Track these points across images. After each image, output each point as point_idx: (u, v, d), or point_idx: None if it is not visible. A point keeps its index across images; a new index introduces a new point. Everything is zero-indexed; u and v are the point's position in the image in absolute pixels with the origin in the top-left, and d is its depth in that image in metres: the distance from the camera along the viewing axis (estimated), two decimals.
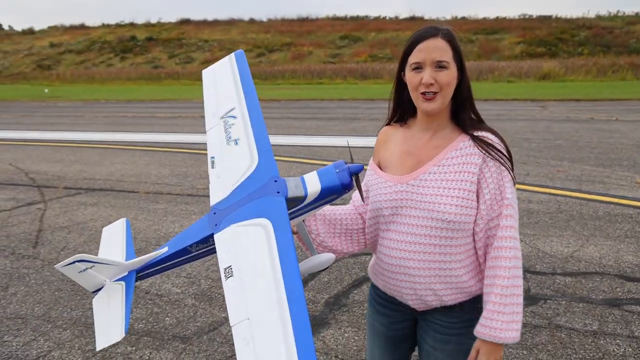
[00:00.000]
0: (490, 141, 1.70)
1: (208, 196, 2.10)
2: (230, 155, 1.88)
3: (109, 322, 1.74)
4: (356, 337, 3.52)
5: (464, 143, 1.72)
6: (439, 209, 1.68)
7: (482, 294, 1.77)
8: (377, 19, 56.16)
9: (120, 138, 12.82)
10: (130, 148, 11.34)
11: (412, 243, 1.73)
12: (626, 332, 3.52)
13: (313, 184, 1.72)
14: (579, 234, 5.35)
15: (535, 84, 27.51)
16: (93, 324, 3.80)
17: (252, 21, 58.14)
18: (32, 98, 28.41)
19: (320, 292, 4.20)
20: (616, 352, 3.30)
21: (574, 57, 35.43)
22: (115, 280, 1.84)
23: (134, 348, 3.43)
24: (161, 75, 40.05)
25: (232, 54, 2.20)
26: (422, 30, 1.70)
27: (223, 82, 2.13)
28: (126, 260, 1.92)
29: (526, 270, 4.48)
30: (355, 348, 3.39)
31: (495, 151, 1.68)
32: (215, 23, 58.11)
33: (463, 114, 1.75)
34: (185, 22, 59.11)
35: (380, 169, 1.90)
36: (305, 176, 1.75)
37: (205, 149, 1.99)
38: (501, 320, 1.64)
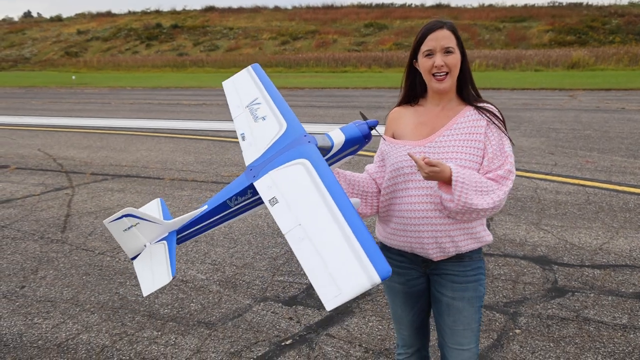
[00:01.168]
0: (490, 109, 2.06)
1: None
2: (260, 128, 2.10)
3: (154, 271, 1.85)
4: (380, 327, 3.50)
5: (469, 112, 2.06)
6: (456, 164, 1.96)
7: (486, 242, 2.11)
8: (402, 6, 55.43)
9: (146, 125, 12.96)
10: (156, 135, 11.46)
11: (431, 196, 2.00)
12: None
13: (338, 136, 2.02)
14: (609, 226, 5.23)
15: (564, 73, 26.89)
16: (120, 308, 3.87)
17: (276, 9, 57.95)
18: (60, 85, 28.94)
19: None
20: None
21: (604, 46, 34.47)
22: (156, 242, 1.94)
23: (159, 333, 3.48)
24: (186, 62, 40.31)
25: (250, 67, 2.51)
26: (431, 23, 2.03)
27: (243, 85, 2.43)
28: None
29: (553, 262, 4.41)
30: (379, 337, 3.37)
31: (496, 119, 2.04)
32: (240, 10, 58.11)
33: (467, 90, 2.10)
34: (210, 9, 59.24)
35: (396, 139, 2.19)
36: (330, 132, 2.03)
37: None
38: (459, 187, 1.87)
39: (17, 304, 3.93)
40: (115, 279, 4.31)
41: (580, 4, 48.21)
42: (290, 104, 2.24)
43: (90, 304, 3.91)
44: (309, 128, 1.99)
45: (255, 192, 1.92)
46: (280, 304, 3.83)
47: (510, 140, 2.05)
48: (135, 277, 4.28)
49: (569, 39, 37.45)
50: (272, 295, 3.98)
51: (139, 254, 1.95)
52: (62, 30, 58.07)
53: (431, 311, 2.26)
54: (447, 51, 1.98)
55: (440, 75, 2.01)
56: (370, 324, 3.55)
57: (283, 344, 3.32)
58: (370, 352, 3.22)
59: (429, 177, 1.87)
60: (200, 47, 47.27)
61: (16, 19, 70.17)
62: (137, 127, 12.67)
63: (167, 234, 1.96)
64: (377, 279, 1.32)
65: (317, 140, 1.92)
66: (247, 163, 2.01)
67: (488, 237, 2.12)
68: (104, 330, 3.53)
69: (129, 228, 1.88)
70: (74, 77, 32.90)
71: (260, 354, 3.21)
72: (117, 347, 3.32)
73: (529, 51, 33.30)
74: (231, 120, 2.28)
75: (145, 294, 1.84)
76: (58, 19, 64.67)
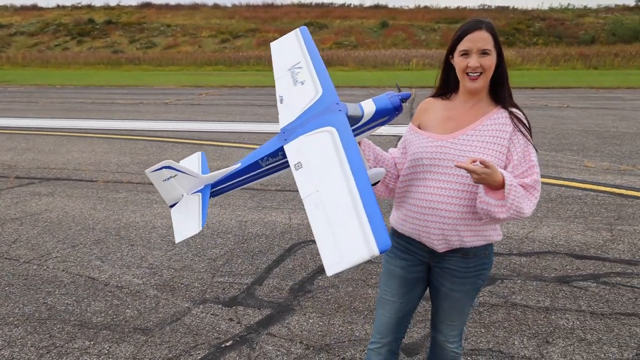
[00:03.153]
0: (519, 115, 2.08)
1: None
2: (298, 92, 2.18)
3: (187, 221, 2.01)
4: (320, 323, 3.51)
5: (497, 114, 2.08)
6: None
7: (492, 241, 2.17)
8: (342, 6, 55.99)
9: (78, 125, 12.42)
10: (89, 135, 10.99)
11: (445, 189, 2.06)
12: (574, 306, 3.69)
13: (369, 106, 2.06)
14: (534, 216, 5.50)
15: None
16: (48, 319, 3.67)
17: (216, 6, 57.05)
18: None
19: (285, 279, 4.17)
20: (565, 325, 3.45)
21: (529, 47, 36.31)
22: (192, 193, 2.11)
23: (91, 343, 3.33)
24: (121, 60, 38.90)
25: (297, 29, 2.58)
26: (470, 23, 2.06)
27: (289, 48, 2.50)
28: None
29: None
30: (320, 333, 3.38)
31: (523, 126, 2.06)
32: (178, 7, 56.81)
33: (502, 91, 2.10)
34: (146, 5, 57.50)
35: (421, 129, 2.23)
36: (362, 102, 2.08)
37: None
38: (514, 191, 1.92)
39: None
40: (42, 289, 4.09)
41: (507, 7, 50.52)
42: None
43: (13, 317, 3.68)
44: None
45: (285, 155, 2.00)
46: (220, 306, 3.77)
47: (535, 149, 2.07)
48: (65, 285, 4.10)
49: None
50: (211, 297, 3.91)
51: (176, 203, 2.10)
52: None
53: (417, 305, 2.38)
54: (484, 53, 2.01)
55: (474, 75, 2.04)
56: (310, 320, 3.56)
57: (223, 345, 3.27)
58: (311, 348, 3.23)
59: (480, 179, 1.89)
60: (136, 44, 45.78)
61: None
62: (67, 127, 12.10)
63: (202, 187, 2.11)
64: (376, 251, 1.39)
65: (348, 109, 1.98)
66: (281, 125, 2.09)
67: (496, 236, 2.18)
68: (29, 344, 3.33)
69: (168, 179, 2.04)
70: None
71: (199, 357, 3.15)
72: None
73: None
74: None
75: (177, 240, 2.00)
76: None
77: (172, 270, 4.37)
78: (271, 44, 2.64)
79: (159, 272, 4.35)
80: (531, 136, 2.08)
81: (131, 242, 5.02)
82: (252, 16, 51.10)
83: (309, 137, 1.90)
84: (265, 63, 35.28)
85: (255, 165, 2.10)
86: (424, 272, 2.28)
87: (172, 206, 2.12)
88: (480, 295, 3.85)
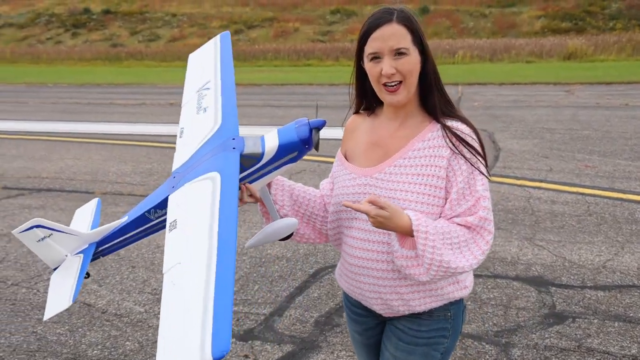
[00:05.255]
0: (461, 133, 1.83)
1: None
2: (198, 122, 2.08)
3: (59, 294, 1.94)
4: None
5: (432, 134, 1.86)
6: (405, 205, 1.81)
7: (455, 299, 1.93)
8: None
9: (72, 129, 12.69)
10: (85, 141, 11.23)
11: (375, 242, 1.87)
12: None
13: (271, 140, 1.89)
14: (613, 240, 5.36)
15: (559, 65, 27.62)
16: (37, 350, 3.75)
17: None
18: None
19: (309, 310, 4.17)
20: None
21: (604, 34, 35.61)
22: (75, 254, 2.04)
23: None
24: (121, 55, 39.72)
25: (218, 36, 2.48)
26: (376, 16, 1.82)
27: (204, 61, 2.40)
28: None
29: (550, 284, 4.49)
30: None
31: (467, 147, 1.81)
32: None
33: (432, 100, 1.87)
34: None
35: (347, 160, 2.07)
36: (266, 134, 1.92)
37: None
38: (430, 233, 1.73)
39: None
40: (32, 316, 4.17)
41: None
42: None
43: None
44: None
45: None
46: (233, 340, 3.78)
47: (487, 175, 1.85)
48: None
49: (564, 26, 38.56)
50: None
51: (59, 266, 2.05)
52: None
53: None
54: (399, 53, 1.78)
55: (392, 86, 1.82)
56: None
57: None
58: None
59: (377, 222, 1.72)
60: (138, 36, 46.71)
61: None
62: (61, 131, 12.39)
63: (87, 246, 2.05)
64: (209, 357, 1.29)
65: (244, 146, 1.86)
66: (174, 167, 2.02)
67: (459, 292, 1.94)
68: None
69: (42, 239, 1.97)
70: None
71: None
72: None
73: (519, 40, 34.03)
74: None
75: (45, 317, 1.91)
76: None
77: None
78: (190, 55, 2.55)
79: None
80: (483, 156, 1.85)
81: (132, 263, 5.09)
82: (270, 3, 51.63)
83: (193, 186, 1.79)
84: (285, 57, 35.56)
85: (143, 219, 1.99)
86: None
87: (55, 269, 2.05)
88: (546, 336, 3.77)
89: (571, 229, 5.69)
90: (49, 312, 1.91)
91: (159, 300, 4.36)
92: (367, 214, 1.72)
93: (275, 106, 15.72)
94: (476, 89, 18.28)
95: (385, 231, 1.84)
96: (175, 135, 2.14)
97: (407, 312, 1.93)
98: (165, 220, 1.91)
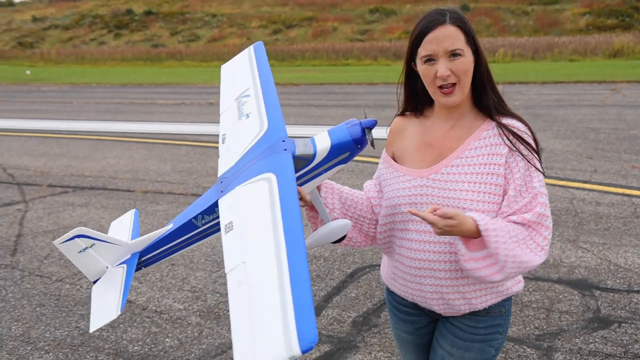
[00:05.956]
0: (517, 131, 1.84)
1: None
2: (241, 128, 2.07)
3: (105, 302, 1.90)
4: None
5: (487, 132, 1.87)
6: (465, 205, 1.81)
7: (513, 293, 1.97)
8: None
9: (114, 128, 12.98)
10: (126, 140, 11.46)
11: (436, 243, 1.87)
12: None
13: (323, 141, 1.87)
14: None
15: (605, 63, 26.97)
16: (80, 345, 3.83)
17: None
18: (12, 81, 28.96)
19: (347, 310, 4.16)
20: None
21: None
22: (117, 265, 1.98)
23: None
24: (162, 55, 40.46)
25: (252, 46, 2.49)
26: (428, 18, 1.82)
27: (240, 71, 2.39)
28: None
29: (595, 287, 4.39)
30: None
31: (524, 144, 1.83)
32: None
33: (486, 99, 1.88)
34: None
35: (396, 161, 2.05)
36: (316, 136, 1.91)
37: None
38: (497, 230, 1.72)
39: None
40: (75, 311, 4.27)
41: None
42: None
43: (44, 342, 3.87)
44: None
45: None
46: None
47: (543, 172, 1.86)
48: None
49: (610, 22, 37.65)
50: None
51: (100, 278, 2.00)
52: (14, 16, 58.33)
53: None
54: (454, 54, 1.79)
55: (447, 88, 1.82)
56: None
57: None
58: None
59: (443, 232, 1.72)
60: (178, 37, 47.50)
61: None
62: (103, 130, 12.68)
63: (129, 256, 2.00)
64: (297, 351, 1.26)
65: (295, 147, 1.85)
66: (219, 173, 1.99)
67: (516, 286, 1.99)
68: None
69: (83, 250, 1.92)
70: (28, 72, 32.94)
71: None
72: None
73: (563, 38, 33.41)
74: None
75: (91, 329, 1.86)
76: (9, 3, 65.04)
77: (217, 295, 4.46)
78: (222, 66, 2.56)
79: (203, 296, 4.45)
80: (537, 152, 1.85)
81: (172, 261, 5.16)
82: (308, 2, 51.81)
83: (246, 188, 1.78)
84: (323, 56, 35.64)
85: (189, 226, 1.97)
86: None
87: (95, 282, 2.01)
88: (590, 340, 3.68)
89: (617, 231, 5.55)
90: (95, 324, 1.88)
91: (197, 298, 4.41)
92: (434, 224, 1.71)
93: (314, 106, 15.76)
94: (517, 88, 17.98)
95: None
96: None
97: (467, 311, 1.93)
98: (212, 226, 1.93)
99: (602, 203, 6.36)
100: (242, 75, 2.35)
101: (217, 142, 2.14)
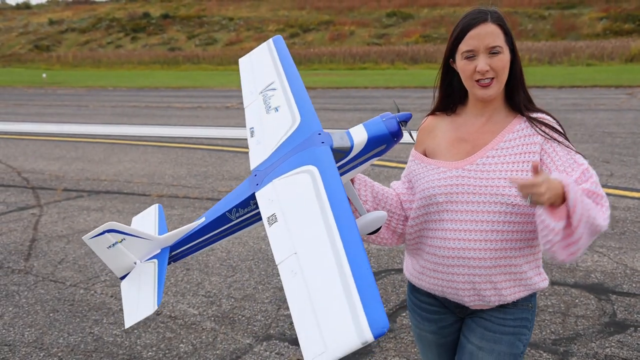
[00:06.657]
0: (547, 121, 1.95)
1: None
2: (271, 121, 2.07)
3: (139, 298, 1.89)
4: None
5: (520, 125, 1.96)
6: (503, 192, 1.87)
7: (539, 289, 2.01)
8: None
9: (130, 132, 13.07)
10: (142, 144, 11.54)
11: (471, 231, 1.91)
12: None
13: (359, 134, 1.90)
14: None
15: (621, 67, 26.74)
16: (94, 351, 3.85)
17: None
18: (28, 84, 29.29)
19: None
20: None
21: None
22: (147, 260, 1.97)
23: None
24: (178, 58, 40.70)
25: (270, 40, 2.48)
26: (471, 15, 1.92)
27: (261, 64, 2.39)
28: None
29: (611, 291, 4.35)
30: None
31: (556, 133, 1.92)
32: None
33: (518, 96, 1.99)
34: None
35: (428, 157, 2.11)
36: (351, 129, 1.94)
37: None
38: (583, 199, 1.69)
39: None
40: (89, 316, 4.29)
41: None
42: None
43: (57, 347, 3.88)
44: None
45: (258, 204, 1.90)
46: (286, 344, 3.79)
47: (581, 154, 1.91)
48: (114, 313, 4.29)
49: (627, 27, 37.27)
50: (276, 332, 3.94)
51: (128, 274, 1.99)
52: (30, 19, 59.01)
53: None
54: (494, 51, 1.88)
55: (485, 81, 1.90)
56: None
57: None
58: None
59: (541, 197, 1.63)
60: (195, 40, 47.78)
61: None
62: (119, 134, 12.77)
63: (159, 251, 1.99)
64: (369, 337, 1.25)
65: (332, 140, 1.87)
66: (252, 166, 1.99)
67: (542, 283, 2.02)
68: None
69: (113, 245, 1.92)
70: (44, 75, 33.32)
71: None
72: None
73: (580, 42, 33.20)
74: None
75: (127, 324, 1.84)
76: (25, 6, 65.80)
77: (232, 300, 4.46)
78: (240, 60, 2.55)
79: (217, 301, 4.45)
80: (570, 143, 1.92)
81: (187, 265, 5.18)
82: (326, 6, 51.89)
83: (285, 181, 1.78)
84: (340, 60, 35.66)
85: (223, 219, 1.97)
86: (460, 331, 2.14)
87: (122, 278, 2.00)
88: (606, 345, 3.63)
89: (633, 235, 5.49)
90: (130, 320, 1.87)
91: (212, 303, 4.42)
92: (537, 186, 1.62)
93: (331, 109, 15.76)
94: (534, 92, 17.52)
95: (479, 219, 1.89)
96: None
97: (497, 303, 1.96)
98: (246, 219, 1.95)
99: (619, 207, 6.30)
100: (264, 69, 2.35)
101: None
